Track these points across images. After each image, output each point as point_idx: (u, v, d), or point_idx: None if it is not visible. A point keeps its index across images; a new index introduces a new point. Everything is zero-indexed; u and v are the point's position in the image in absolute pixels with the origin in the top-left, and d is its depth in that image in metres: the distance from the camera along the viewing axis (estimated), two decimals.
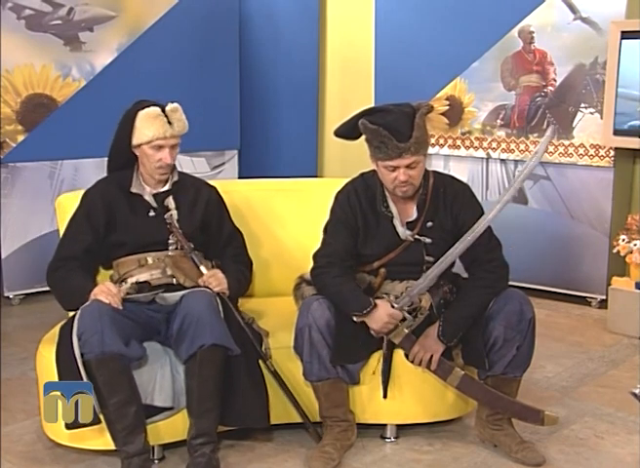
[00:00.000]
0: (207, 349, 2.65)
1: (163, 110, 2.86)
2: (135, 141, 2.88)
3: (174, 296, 2.82)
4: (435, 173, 2.93)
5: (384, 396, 2.86)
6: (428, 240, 2.81)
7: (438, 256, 2.77)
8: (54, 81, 4.65)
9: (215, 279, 2.85)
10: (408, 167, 2.70)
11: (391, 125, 2.66)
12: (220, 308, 2.78)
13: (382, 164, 2.73)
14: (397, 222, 2.84)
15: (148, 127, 2.83)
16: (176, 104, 2.92)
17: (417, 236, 2.81)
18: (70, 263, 2.85)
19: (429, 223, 2.83)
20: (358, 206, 2.86)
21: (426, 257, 2.82)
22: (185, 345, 2.67)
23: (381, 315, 2.72)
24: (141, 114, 2.85)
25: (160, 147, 2.86)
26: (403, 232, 2.83)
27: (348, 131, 2.82)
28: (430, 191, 2.85)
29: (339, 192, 2.93)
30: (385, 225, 2.85)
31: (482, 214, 2.79)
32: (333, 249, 2.84)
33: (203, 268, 2.87)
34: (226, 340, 2.69)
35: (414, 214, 2.83)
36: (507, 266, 2.87)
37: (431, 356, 2.78)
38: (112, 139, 2.97)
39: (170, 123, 2.85)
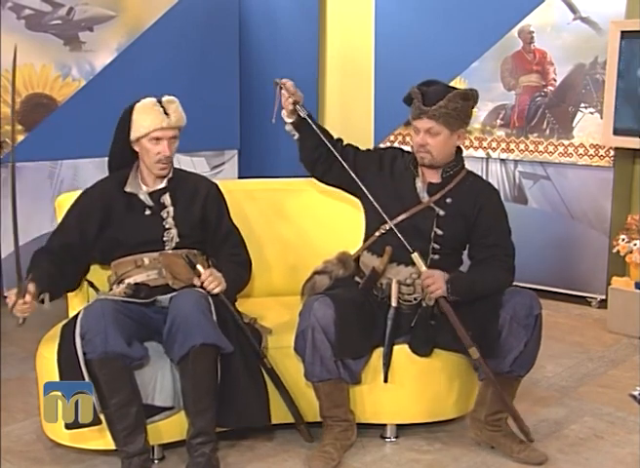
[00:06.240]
0: (198, 349, 2.63)
1: (160, 102, 2.89)
2: (133, 136, 2.89)
3: (167, 299, 2.80)
4: (471, 171, 3.05)
5: (385, 380, 2.85)
6: (442, 212, 2.89)
7: (446, 232, 2.87)
8: (53, 81, 4.64)
9: (213, 278, 2.83)
10: (428, 132, 2.83)
11: (426, 90, 2.85)
12: (213, 308, 2.74)
13: (412, 124, 2.91)
14: (419, 181, 2.94)
15: (145, 118, 2.85)
16: (172, 97, 2.94)
17: (432, 204, 2.89)
18: (49, 255, 2.86)
19: (449, 199, 2.91)
20: (389, 161, 3.02)
21: (435, 229, 2.88)
22: (177, 346, 2.66)
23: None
24: (138, 106, 2.88)
25: (158, 140, 2.87)
26: (422, 191, 2.93)
27: (407, 96, 2.96)
28: (460, 176, 2.95)
29: None
30: (408, 181, 2.96)
31: (503, 221, 2.93)
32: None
33: (200, 267, 2.83)
34: (217, 339, 2.67)
35: (438, 179, 2.93)
36: (514, 274, 2.94)
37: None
38: (112, 138, 2.97)
39: (166, 114, 2.87)
